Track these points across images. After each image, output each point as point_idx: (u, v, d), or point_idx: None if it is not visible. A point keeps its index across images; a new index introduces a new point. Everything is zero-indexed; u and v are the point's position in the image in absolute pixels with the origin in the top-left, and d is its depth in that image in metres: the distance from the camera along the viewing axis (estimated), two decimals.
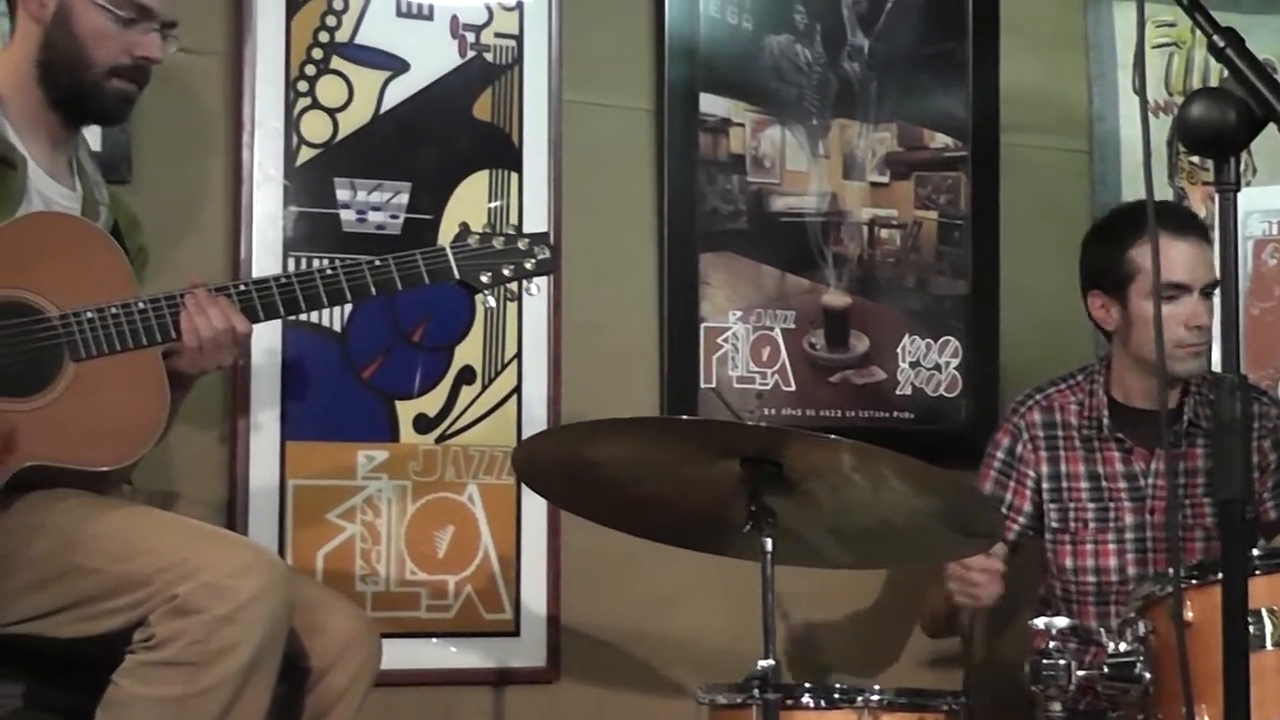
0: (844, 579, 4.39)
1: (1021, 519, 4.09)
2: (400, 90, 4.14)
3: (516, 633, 4.18)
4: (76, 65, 3.30)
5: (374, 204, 4.10)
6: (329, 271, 3.36)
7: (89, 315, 3.19)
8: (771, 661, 3.14)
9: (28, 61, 3.31)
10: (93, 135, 3.62)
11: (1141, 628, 3.31)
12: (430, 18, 4.17)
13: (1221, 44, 2.16)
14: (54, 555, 3.09)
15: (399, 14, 4.14)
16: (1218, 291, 3.95)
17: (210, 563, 3.04)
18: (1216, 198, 2.22)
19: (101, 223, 3.39)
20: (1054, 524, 4.10)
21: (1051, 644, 3.24)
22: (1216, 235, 2.25)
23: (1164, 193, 4.74)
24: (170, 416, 3.30)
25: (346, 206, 4.08)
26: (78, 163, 3.43)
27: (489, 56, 4.21)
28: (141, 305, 3.23)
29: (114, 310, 3.20)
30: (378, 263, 3.37)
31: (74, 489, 3.19)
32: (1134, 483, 4.06)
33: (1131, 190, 4.67)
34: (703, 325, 4.36)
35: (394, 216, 4.11)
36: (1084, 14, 4.76)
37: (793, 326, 4.44)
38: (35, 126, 3.32)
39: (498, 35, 4.21)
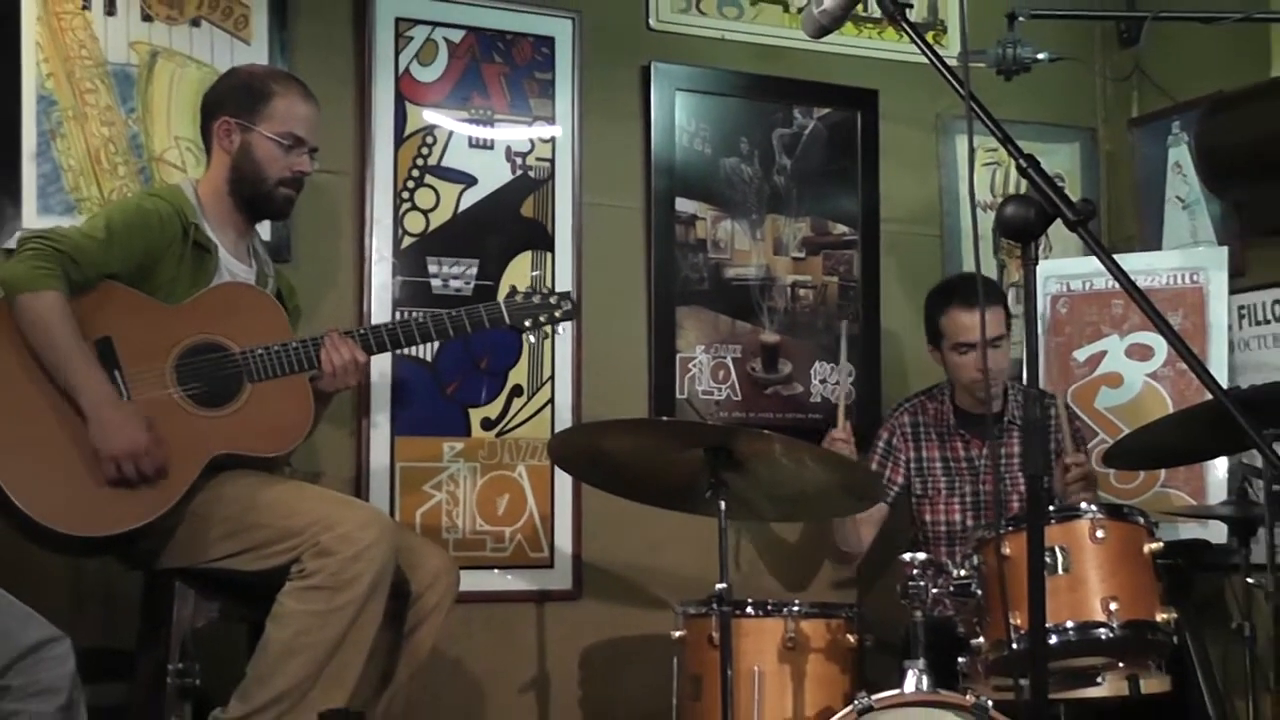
0: (776, 529, 4.42)
1: (895, 488, 4.10)
2: (471, 197, 4.14)
3: (552, 566, 4.17)
4: (256, 179, 3.33)
5: (454, 275, 4.11)
6: (420, 320, 3.39)
7: (260, 351, 3.21)
8: (725, 585, 3.16)
9: (221, 180, 3.35)
10: (264, 229, 3.64)
11: (976, 560, 3.33)
12: (491, 148, 4.17)
13: (1025, 165, 2.18)
14: (238, 515, 3.12)
15: (470, 146, 4.14)
16: (1002, 342, 3.97)
17: (343, 520, 3.08)
18: (1023, 269, 2.24)
19: (269, 290, 3.42)
20: (918, 492, 4.11)
21: (915, 572, 3.25)
22: (1025, 294, 2.25)
23: (990, 263, 4.72)
24: (316, 421, 3.33)
25: (435, 276, 4.09)
26: (254, 248, 3.45)
27: (532, 173, 4.21)
28: (295, 345, 3.26)
29: (277, 348, 3.23)
30: (454, 314, 3.39)
31: (251, 470, 3.21)
32: (971, 464, 4.08)
33: (969, 262, 4.65)
34: (678, 355, 4.35)
35: (467, 283, 4.11)
36: (936, 143, 4.77)
37: (740, 356, 4.43)
38: (225, 224, 3.35)
39: (538, 159, 4.22)
